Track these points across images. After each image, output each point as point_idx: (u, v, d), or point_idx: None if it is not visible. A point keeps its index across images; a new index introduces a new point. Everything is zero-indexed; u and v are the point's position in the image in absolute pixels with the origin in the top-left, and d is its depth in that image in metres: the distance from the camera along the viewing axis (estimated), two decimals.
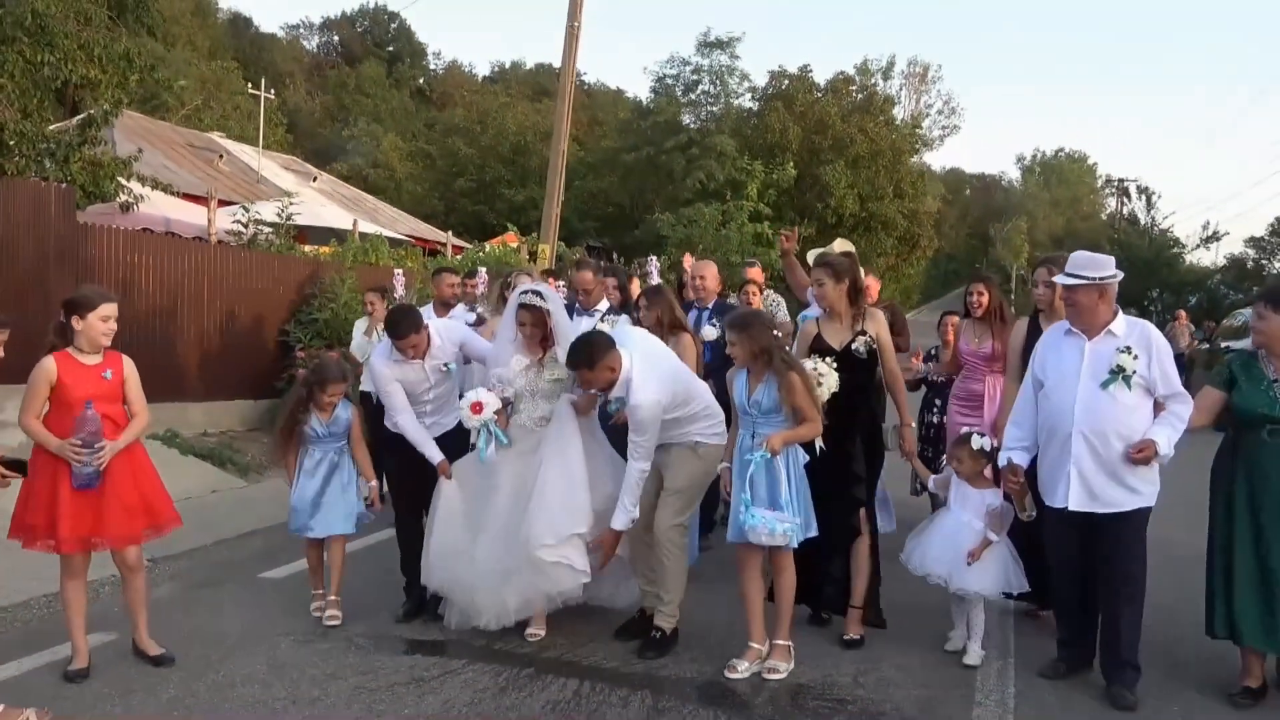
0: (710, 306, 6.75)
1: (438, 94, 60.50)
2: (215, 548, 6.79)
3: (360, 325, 8.47)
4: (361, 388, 7.37)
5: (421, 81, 63.20)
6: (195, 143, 22.13)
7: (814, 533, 4.50)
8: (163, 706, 4.10)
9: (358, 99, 54.42)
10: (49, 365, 4.18)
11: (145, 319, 9.66)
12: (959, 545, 4.76)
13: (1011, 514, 4.74)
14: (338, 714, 4.07)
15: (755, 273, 8.70)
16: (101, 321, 4.24)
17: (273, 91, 27.90)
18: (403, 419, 5.10)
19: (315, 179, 24.67)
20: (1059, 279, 4.39)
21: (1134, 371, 4.18)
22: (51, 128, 11.83)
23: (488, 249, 17.16)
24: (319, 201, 19.21)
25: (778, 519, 4.33)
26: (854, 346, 4.91)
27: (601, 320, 6.19)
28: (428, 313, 6.34)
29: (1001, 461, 4.53)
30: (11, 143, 10.68)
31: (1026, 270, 63.74)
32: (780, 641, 4.59)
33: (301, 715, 4.06)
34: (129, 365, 4.41)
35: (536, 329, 4.90)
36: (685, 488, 4.80)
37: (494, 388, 4.90)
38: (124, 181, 11.61)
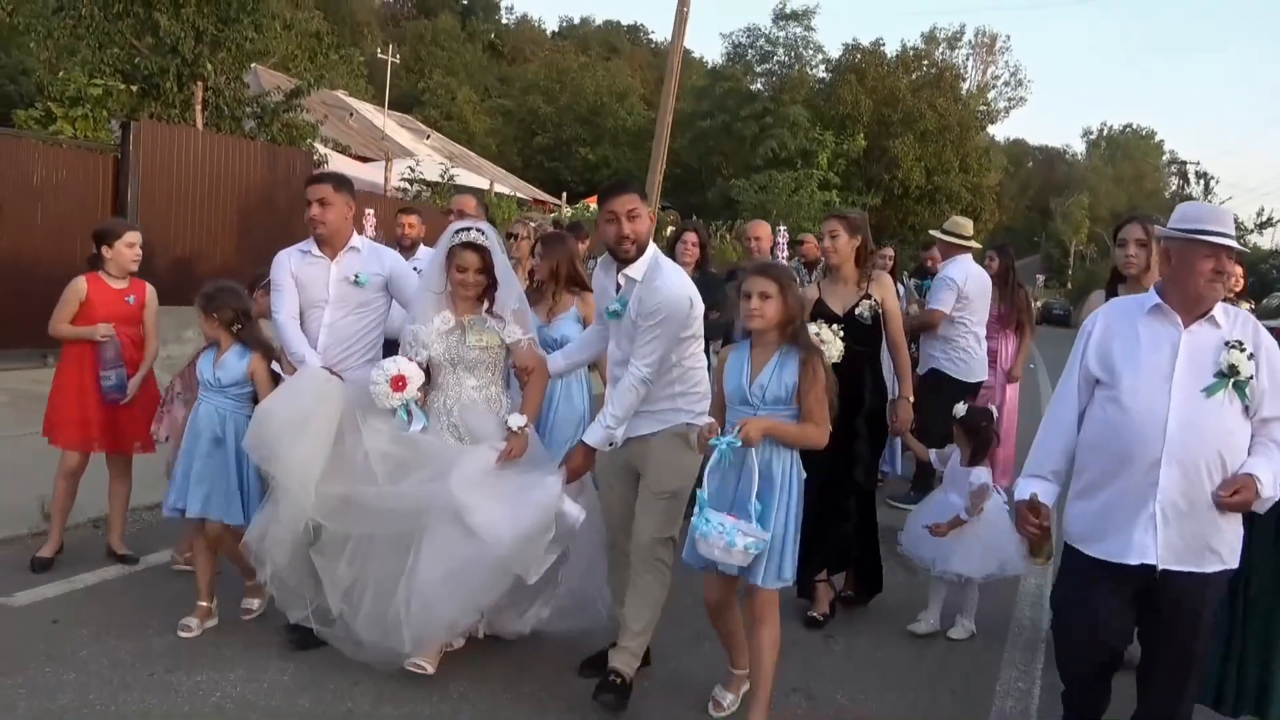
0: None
1: (509, 48, 61.97)
2: None
3: None
4: None
5: (493, 35, 64.65)
6: (327, 101, 23.95)
7: (789, 579, 3.36)
8: None
9: (433, 51, 55.93)
10: (79, 284, 4.54)
11: None
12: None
13: (991, 494, 4.37)
14: None
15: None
16: (127, 248, 4.57)
17: (397, 57, 29.56)
18: (283, 319, 4.24)
19: (428, 136, 26.54)
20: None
21: (1250, 376, 2.96)
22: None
23: (591, 208, 18.89)
24: (437, 159, 21.03)
25: (738, 528, 3.15)
26: (858, 311, 4.53)
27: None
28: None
29: (1021, 493, 3.19)
30: (224, 108, 12.63)
31: (1085, 245, 64.27)
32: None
33: None
34: (151, 294, 4.71)
35: (480, 276, 3.79)
36: (678, 489, 3.62)
37: (409, 351, 3.86)
38: (311, 143, 13.53)
